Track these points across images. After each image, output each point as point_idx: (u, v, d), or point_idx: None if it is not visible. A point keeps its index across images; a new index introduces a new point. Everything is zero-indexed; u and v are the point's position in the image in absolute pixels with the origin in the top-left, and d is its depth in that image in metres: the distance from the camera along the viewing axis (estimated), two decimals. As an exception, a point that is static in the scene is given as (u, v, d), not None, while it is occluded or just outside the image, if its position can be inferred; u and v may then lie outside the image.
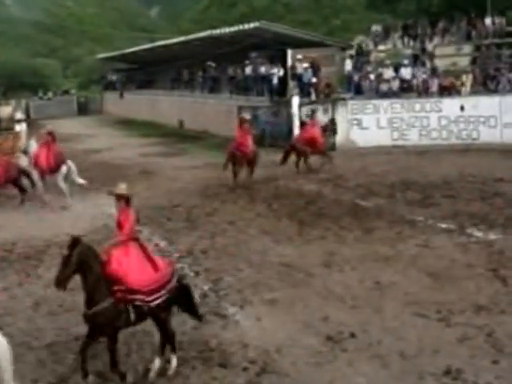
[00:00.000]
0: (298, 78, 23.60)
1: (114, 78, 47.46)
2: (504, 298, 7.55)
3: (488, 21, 24.19)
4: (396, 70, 23.20)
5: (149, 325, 7.39)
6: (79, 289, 8.78)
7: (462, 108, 20.03)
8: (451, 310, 7.25)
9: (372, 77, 23.27)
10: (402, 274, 8.61)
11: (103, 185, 17.09)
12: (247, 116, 17.90)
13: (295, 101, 21.65)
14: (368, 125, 20.93)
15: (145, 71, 43.43)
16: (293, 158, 17.42)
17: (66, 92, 52.15)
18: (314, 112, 18.74)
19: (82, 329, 7.36)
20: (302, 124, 19.32)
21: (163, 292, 6.13)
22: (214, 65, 30.31)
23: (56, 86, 55.53)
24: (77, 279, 9.16)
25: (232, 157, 16.01)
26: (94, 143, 28.51)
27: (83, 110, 48.48)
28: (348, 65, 24.10)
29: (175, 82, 36.16)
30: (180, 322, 7.43)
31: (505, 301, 7.47)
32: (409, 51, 25.25)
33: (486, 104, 19.90)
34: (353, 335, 6.79)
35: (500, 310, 7.22)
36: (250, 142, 16.21)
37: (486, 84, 21.44)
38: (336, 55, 25.58)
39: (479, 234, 10.36)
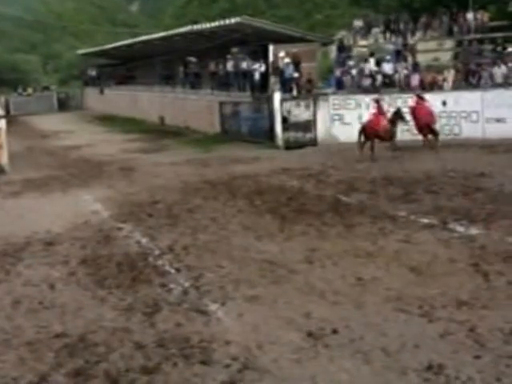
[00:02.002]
0: (279, 73, 23.55)
1: (94, 73, 47.16)
2: (486, 293, 7.55)
3: (470, 16, 24.28)
4: (378, 64, 23.22)
5: (130, 322, 7.35)
6: (59, 286, 8.78)
7: (444, 103, 20.09)
8: (433, 306, 7.24)
9: (354, 72, 23.28)
10: (384, 270, 8.59)
11: (84, 181, 17.03)
12: (381, 97, 19.81)
13: (277, 96, 21.60)
14: (350, 120, 20.94)
15: (125, 67, 43.23)
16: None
17: (46, 88, 51.77)
18: (421, 95, 19.43)
19: (63, 326, 7.32)
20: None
21: None
22: (195, 60, 30.18)
23: (36, 82, 55.13)
24: (57, 276, 9.13)
25: (363, 133, 18.23)
26: (74, 139, 28.38)
27: (63, 105, 48.22)
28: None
29: (156, 77, 35.99)
30: (161, 319, 7.39)
31: (486, 296, 7.47)
32: (391, 46, 25.28)
33: (467, 99, 19.99)
34: (335, 331, 6.75)
35: (482, 305, 7.22)
36: (381, 120, 18.17)
37: (468, 79, 21.54)
38: (317, 50, 25.61)
39: (461, 229, 10.37)
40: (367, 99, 20.85)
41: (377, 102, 18.77)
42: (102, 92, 44.22)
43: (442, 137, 19.43)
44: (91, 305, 8.01)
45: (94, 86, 46.47)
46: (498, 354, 6.08)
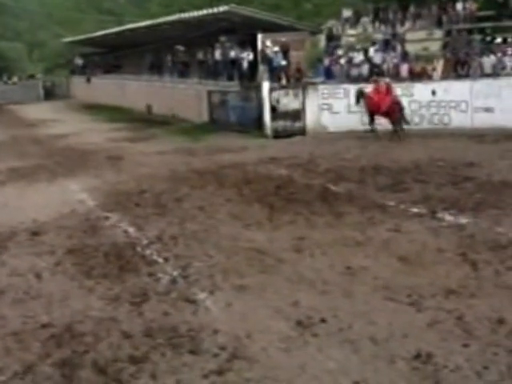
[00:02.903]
0: (267, 61, 23.46)
1: (80, 62, 46.85)
2: (474, 282, 7.56)
3: (459, 5, 24.25)
4: (366, 54, 23.18)
5: (117, 311, 7.30)
6: (46, 276, 8.71)
7: (433, 93, 20.11)
8: (422, 295, 7.24)
9: (342, 61, 23.23)
10: (373, 259, 8.58)
11: (70, 170, 16.91)
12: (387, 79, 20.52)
13: (265, 85, 21.52)
14: (339, 109, 20.92)
15: (112, 55, 42.94)
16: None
17: (32, 76, 51.33)
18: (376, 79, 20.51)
19: (50, 316, 7.26)
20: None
21: None
22: (182, 49, 30.02)
23: (21, 71, 54.60)
24: (43, 265, 9.06)
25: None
26: (60, 128, 28.19)
27: (50, 94, 47.91)
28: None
29: (144, 66, 35.77)
30: (149, 308, 7.34)
31: (474, 285, 7.48)
32: (380, 36, 25.22)
33: (457, 89, 19.99)
34: (323, 320, 6.73)
35: (470, 293, 7.23)
36: (387, 101, 19.21)
37: (457, 69, 21.54)
38: (306, 39, 25.54)
39: (450, 218, 10.38)
40: (356, 88, 20.83)
41: (387, 84, 19.44)
42: (88, 81, 43.95)
43: (431, 126, 19.49)
44: (78, 295, 7.93)
45: (80, 74, 46.16)
46: (486, 342, 6.09)
